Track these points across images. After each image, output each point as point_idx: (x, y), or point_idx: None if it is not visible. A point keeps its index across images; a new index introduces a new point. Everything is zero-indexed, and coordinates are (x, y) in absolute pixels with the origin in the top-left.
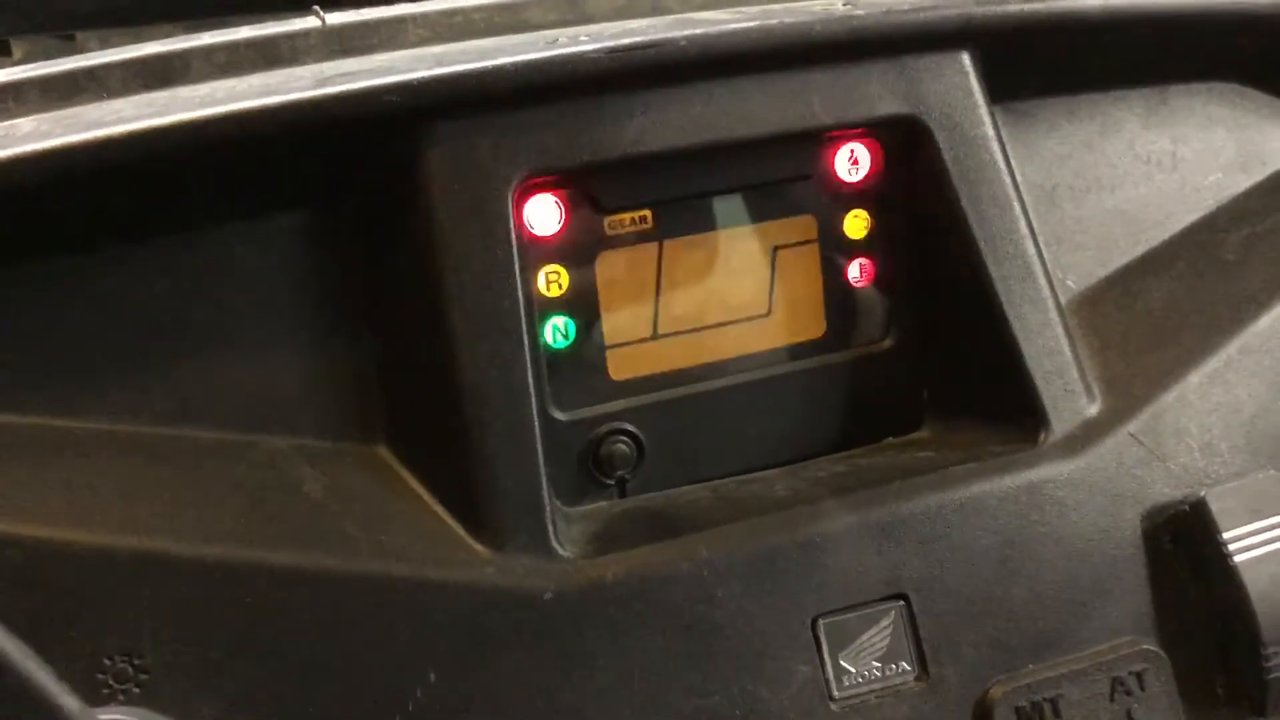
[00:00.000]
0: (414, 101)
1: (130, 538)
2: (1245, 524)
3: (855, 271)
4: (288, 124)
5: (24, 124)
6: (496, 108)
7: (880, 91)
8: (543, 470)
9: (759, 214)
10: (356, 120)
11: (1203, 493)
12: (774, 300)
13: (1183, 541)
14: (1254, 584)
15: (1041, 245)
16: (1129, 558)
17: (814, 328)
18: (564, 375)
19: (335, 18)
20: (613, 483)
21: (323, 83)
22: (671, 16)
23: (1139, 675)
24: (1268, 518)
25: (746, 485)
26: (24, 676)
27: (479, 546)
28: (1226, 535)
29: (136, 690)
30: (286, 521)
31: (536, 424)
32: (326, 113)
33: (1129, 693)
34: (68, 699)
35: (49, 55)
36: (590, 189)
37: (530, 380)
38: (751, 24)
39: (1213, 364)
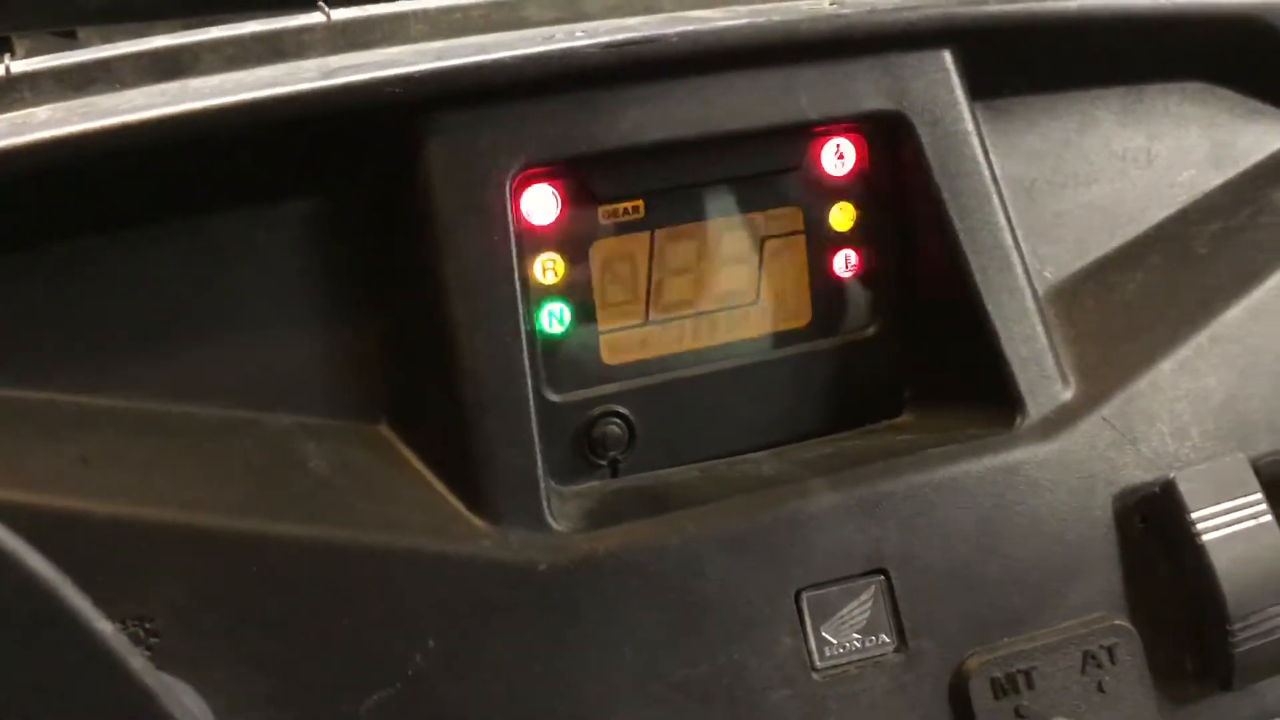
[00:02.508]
0: (415, 93)
1: (142, 508)
2: (1213, 505)
3: (841, 262)
4: (295, 114)
5: (41, 112)
6: (495, 100)
7: (865, 88)
8: (538, 449)
9: (748, 205)
10: (360, 111)
11: (1172, 475)
12: (762, 288)
13: (1153, 522)
14: (1221, 562)
15: (1020, 238)
16: (1102, 537)
17: (800, 316)
18: (559, 359)
19: (339, 13)
20: (605, 463)
21: (328, 75)
22: (665, 15)
23: (1110, 649)
24: (1234, 499)
25: (735, 466)
26: (92, 634)
27: (477, 521)
28: (1195, 515)
29: (148, 653)
30: (292, 495)
31: (532, 405)
32: (332, 103)
33: (1100, 665)
34: (136, 659)
35: (52, 51)
36: (585, 179)
37: (526, 363)
38: (741, 22)
39: (1183, 352)
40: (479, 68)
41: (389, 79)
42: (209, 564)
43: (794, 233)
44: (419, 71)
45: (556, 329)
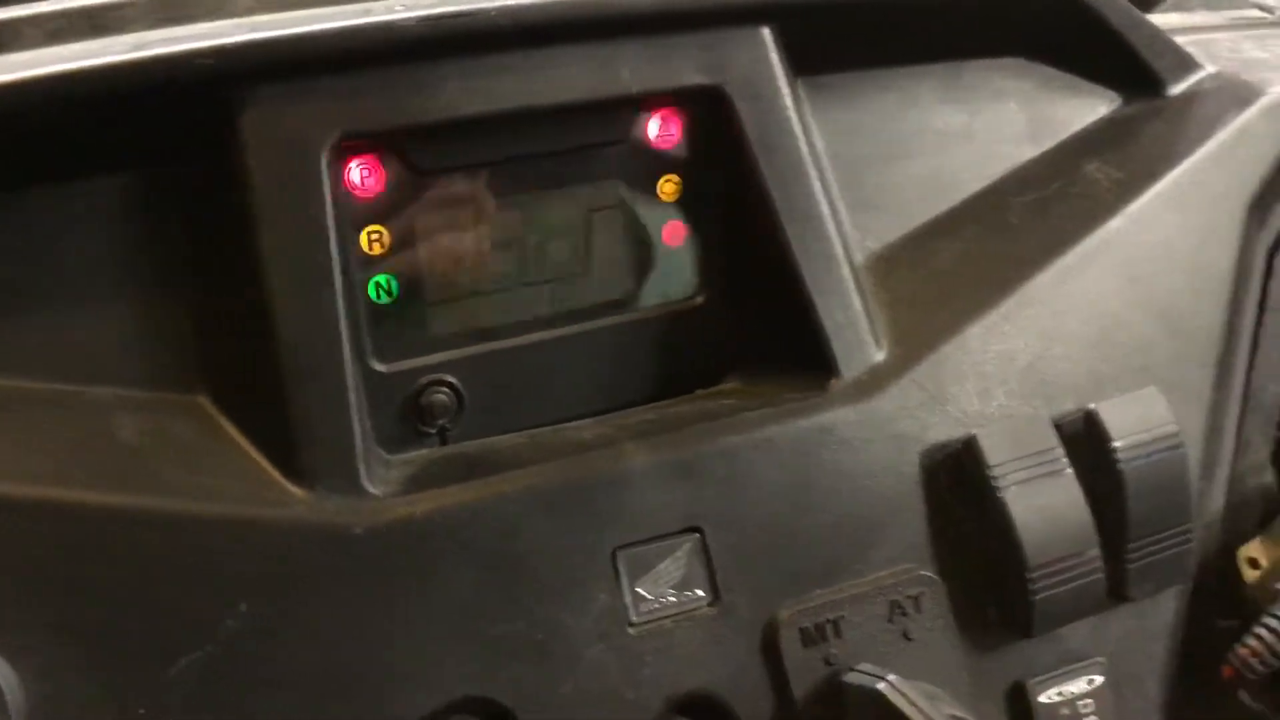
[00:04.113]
0: (227, 65)
1: None
2: (1012, 458)
3: (667, 233)
4: (107, 86)
5: None
6: (309, 72)
7: (685, 63)
8: (355, 415)
9: (573, 177)
10: (172, 83)
11: (975, 431)
12: (590, 260)
13: (958, 477)
14: (1019, 513)
15: (841, 209)
16: (910, 493)
17: (628, 286)
18: (387, 329)
19: None
20: (434, 431)
21: (140, 47)
22: None
23: (916, 599)
24: (1033, 452)
25: (559, 432)
26: None
27: (292, 488)
28: (994, 469)
29: None
30: (104, 465)
31: (349, 373)
32: (143, 76)
33: (905, 614)
34: None
35: None
36: (407, 152)
37: (344, 333)
38: None
39: (992, 317)
40: (292, 40)
41: (200, 51)
42: (14, 533)
43: (620, 204)
44: (231, 44)
45: (383, 299)
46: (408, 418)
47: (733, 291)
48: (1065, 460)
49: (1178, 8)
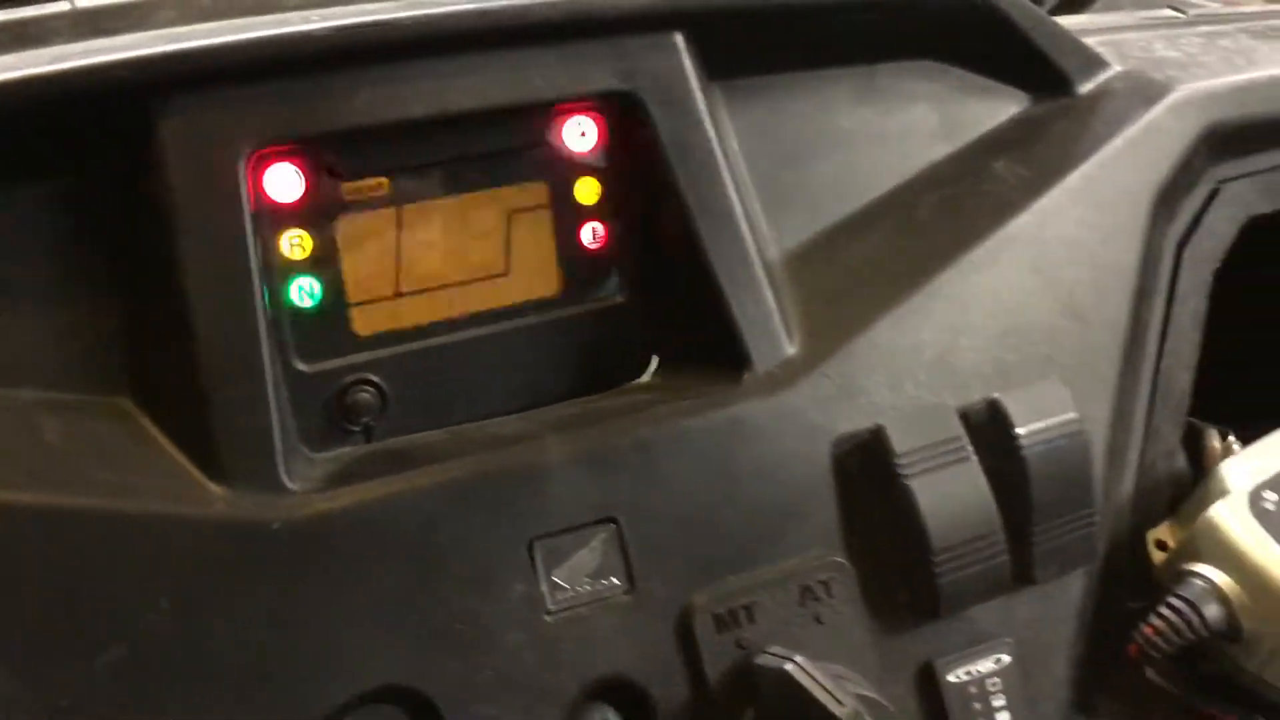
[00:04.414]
0: (144, 76)
1: None
2: (917, 446)
3: (587, 234)
4: (26, 98)
5: None
6: (227, 81)
7: (599, 69)
8: (274, 414)
9: (494, 180)
10: (91, 94)
11: (882, 421)
12: (511, 260)
13: (867, 466)
14: (925, 499)
15: (756, 209)
16: (821, 481)
17: (550, 286)
18: (309, 331)
19: (85, 2)
20: (359, 429)
21: (59, 59)
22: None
23: (826, 583)
24: (937, 440)
25: (482, 428)
26: None
27: (212, 486)
28: (900, 457)
29: None
30: (26, 464)
31: (268, 373)
32: (62, 86)
33: (817, 598)
34: None
35: None
36: (326, 158)
37: (263, 335)
38: (470, 6)
39: (901, 311)
40: (209, 51)
41: (117, 62)
42: None
43: (540, 206)
44: (148, 55)
45: (306, 302)
46: (332, 416)
47: (651, 290)
48: (970, 448)
49: (1110, 8)
